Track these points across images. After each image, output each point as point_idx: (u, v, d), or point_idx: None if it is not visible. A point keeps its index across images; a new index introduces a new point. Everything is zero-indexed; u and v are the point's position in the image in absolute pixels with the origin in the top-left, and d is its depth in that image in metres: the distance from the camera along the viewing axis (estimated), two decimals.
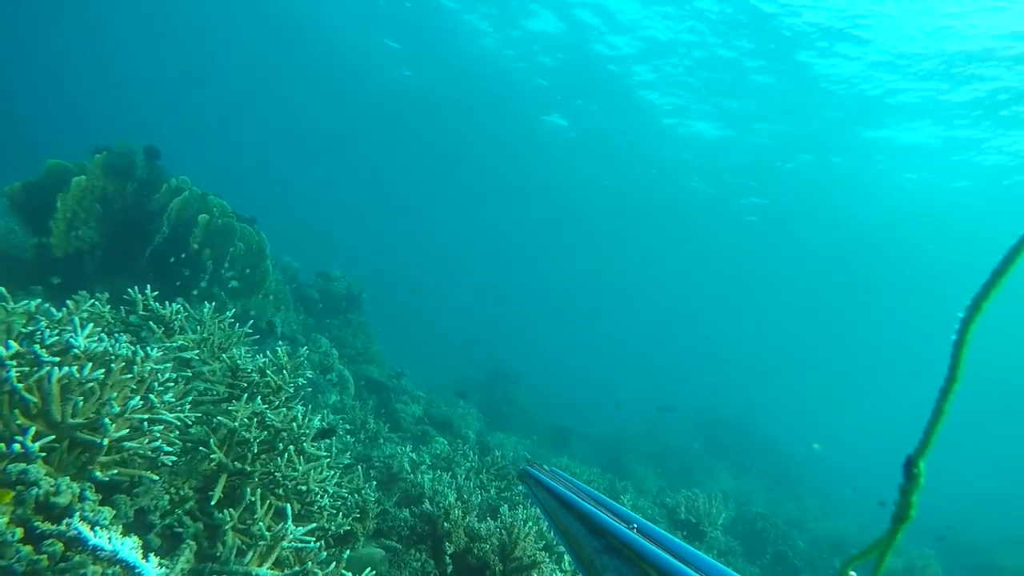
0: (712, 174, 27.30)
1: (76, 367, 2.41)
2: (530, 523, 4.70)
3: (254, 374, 3.87)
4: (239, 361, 3.77)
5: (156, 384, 2.71)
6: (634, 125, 24.81)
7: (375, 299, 14.92)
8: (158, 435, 2.57)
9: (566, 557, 4.71)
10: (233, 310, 4.37)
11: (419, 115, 31.57)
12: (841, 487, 20.29)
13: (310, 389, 4.28)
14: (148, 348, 2.83)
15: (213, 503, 2.91)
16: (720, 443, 20.76)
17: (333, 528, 3.95)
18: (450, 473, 6.07)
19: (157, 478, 2.62)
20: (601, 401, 22.67)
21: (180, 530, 2.74)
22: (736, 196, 28.97)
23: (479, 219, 52.10)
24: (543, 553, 4.24)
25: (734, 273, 41.38)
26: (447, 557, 4.26)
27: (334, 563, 2.98)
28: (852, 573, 0.95)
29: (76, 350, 2.51)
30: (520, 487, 6.51)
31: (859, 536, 14.38)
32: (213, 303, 4.16)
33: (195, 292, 7.81)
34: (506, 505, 5.13)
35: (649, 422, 20.64)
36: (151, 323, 3.29)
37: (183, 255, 7.38)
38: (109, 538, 2.02)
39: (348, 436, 6.86)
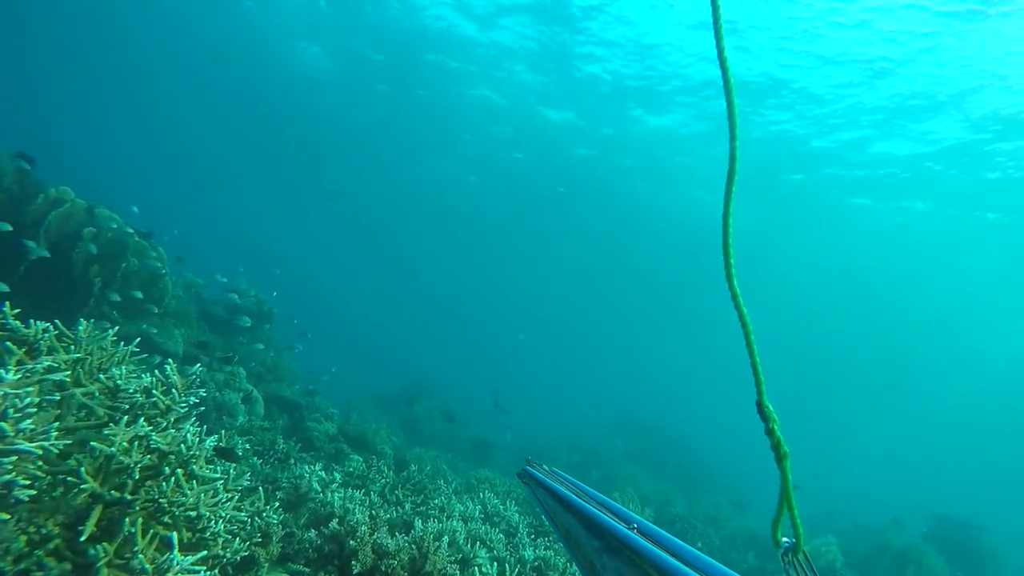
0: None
1: None
2: (444, 537, 4.62)
3: (137, 395, 3.60)
4: (119, 381, 3.50)
5: (11, 411, 2.46)
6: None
7: (287, 316, 14.37)
8: (10, 467, 2.33)
9: (479, 570, 4.66)
10: (116, 328, 4.07)
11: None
12: (753, 485, 21.27)
13: (203, 408, 4.03)
14: (2, 371, 2.57)
15: (83, 538, 2.67)
16: (641, 449, 21.32)
17: (229, 555, 3.72)
18: (363, 491, 5.88)
19: (8, 517, 2.37)
20: (523, 412, 22.79)
21: (39, 574, 2.49)
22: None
23: (391, 233, 51.36)
24: (455, 566, 4.18)
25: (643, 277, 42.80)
26: None
27: None
28: (784, 539, 1.02)
29: None
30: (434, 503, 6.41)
31: (769, 529, 15.09)
32: (91, 320, 3.85)
33: (82, 312, 7.23)
34: (419, 520, 5.03)
35: (571, 431, 20.95)
36: (8, 344, 2.99)
37: (67, 272, 6.82)
38: None
39: (255, 457, 6.53)
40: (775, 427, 1.03)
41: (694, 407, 42.30)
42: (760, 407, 1.04)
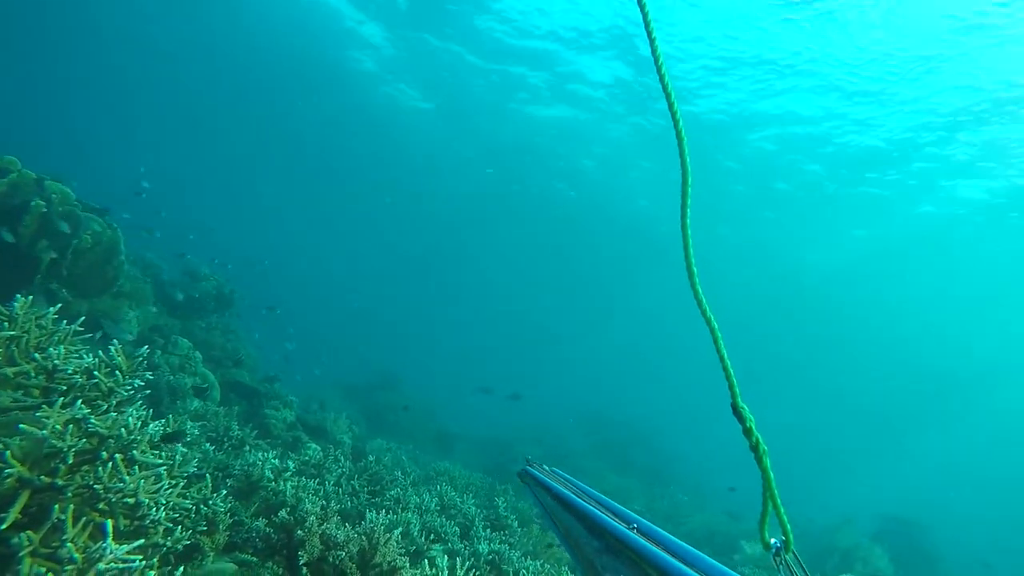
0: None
1: None
2: (396, 528, 4.56)
3: (77, 376, 3.45)
4: (56, 361, 3.35)
5: None
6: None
7: (251, 301, 14.08)
8: None
9: (431, 563, 4.61)
10: (59, 306, 3.89)
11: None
12: (713, 481, 21.61)
13: (150, 392, 3.89)
14: None
15: (4, 526, 2.54)
16: (606, 444, 21.48)
17: (170, 544, 3.60)
18: (318, 480, 5.78)
19: None
20: (491, 405, 22.78)
21: None
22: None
23: (377, 226, 50.80)
24: (405, 559, 4.12)
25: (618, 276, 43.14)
26: (303, 567, 4.03)
27: None
28: (772, 539, 1.00)
29: None
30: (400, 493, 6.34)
31: (727, 526, 15.39)
32: (30, 297, 3.68)
33: (26, 289, 6.94)
34: (372, 511, 4.96)
35: (539, 426, 21.00)
36: None
37: (12, 247, 6.53)
38: None
39: (207, 444, 6.37)
40: (752, 427, 1.02)
41: (661, 403, 42.82)
42: (735, 409, 1.03)
